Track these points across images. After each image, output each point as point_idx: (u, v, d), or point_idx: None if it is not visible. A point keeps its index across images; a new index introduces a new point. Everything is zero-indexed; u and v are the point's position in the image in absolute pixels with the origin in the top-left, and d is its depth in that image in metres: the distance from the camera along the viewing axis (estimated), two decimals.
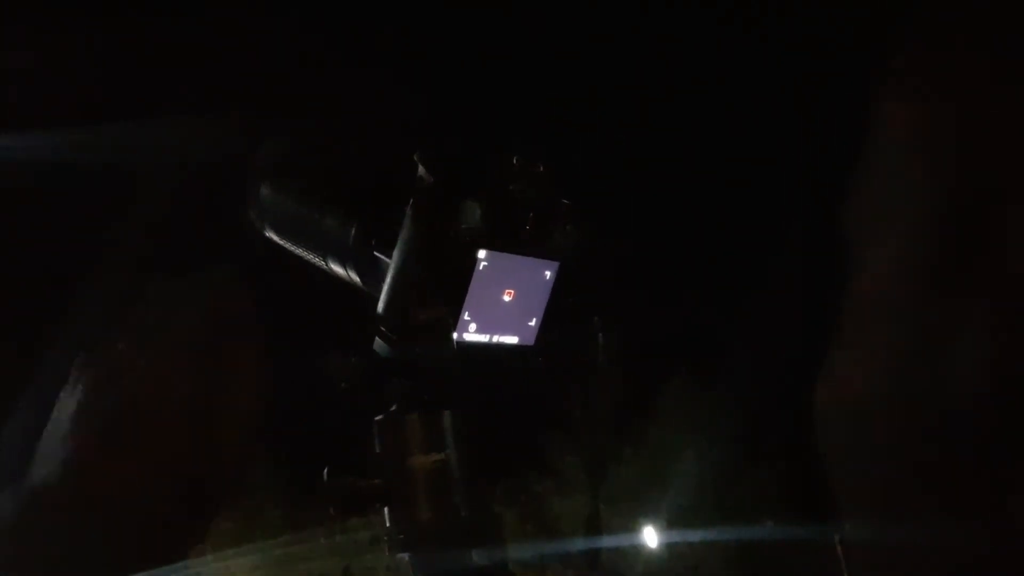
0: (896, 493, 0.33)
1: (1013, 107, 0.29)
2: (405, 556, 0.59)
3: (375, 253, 0.61)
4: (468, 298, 0.57)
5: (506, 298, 0.60)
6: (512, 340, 0.61)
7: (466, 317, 0.58)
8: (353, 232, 0.62)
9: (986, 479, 0.29)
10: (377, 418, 0.61)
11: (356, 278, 0.64)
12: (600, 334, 0.66)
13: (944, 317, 0.30)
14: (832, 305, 0.36)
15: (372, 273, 0.62)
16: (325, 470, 0.58)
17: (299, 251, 0.67)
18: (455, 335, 0.57)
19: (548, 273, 0.62)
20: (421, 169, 0.59)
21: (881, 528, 0.34)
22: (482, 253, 0.57)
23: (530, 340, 0.62)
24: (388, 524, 0.59)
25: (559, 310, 0.62)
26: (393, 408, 0.60)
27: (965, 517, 0.30)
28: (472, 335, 0.58)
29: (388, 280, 0.58)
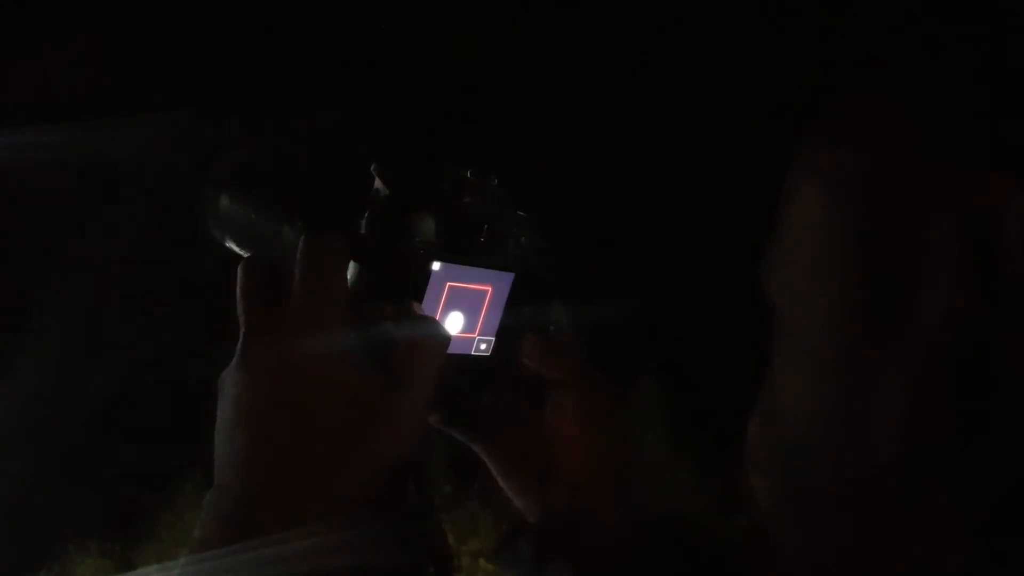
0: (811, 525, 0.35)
1: (917, 185, 0.31)
2: None
3: None
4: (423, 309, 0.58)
5: (460, 310, 0.61)
6: (467, 351, 0.62)
7: (427, 315, 0.58)
8: None
9: (900, 518, 0.30)
10: None
11: None
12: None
13: (863, 373, 0.31)
14: (764, 350, 0.38)
15: None
16: None
17: None
18: None
19: (502, 285, 0.63)
20: (377, 181, 0.60)
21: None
22: (436, 265, 0.58)
23: (485, 351, 0.63)
24: None
25: (514, 321, 0.64)
26: None
27: (879, 544, 0.31)
28: None
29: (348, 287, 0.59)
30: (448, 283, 0.59)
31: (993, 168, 0.28)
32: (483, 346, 0.63)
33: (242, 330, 0.55)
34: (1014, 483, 0.27)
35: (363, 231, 0.59)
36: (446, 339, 0.57)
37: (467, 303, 0.61)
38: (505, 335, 0.64)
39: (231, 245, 0.69)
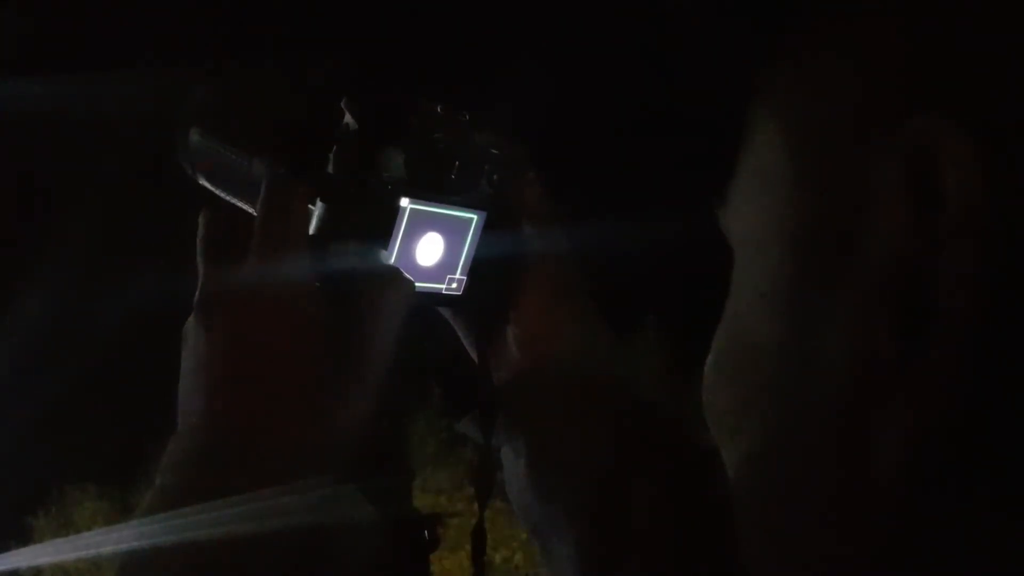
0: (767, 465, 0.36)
1: (865, 131, 0.31)
2: None
3: None
4: (391, 246, 0.58)
5: (431, 246, 0.60)
6: (438, 288, 0.62)
7: (391, 266, 0.58)
8: None
9: (846, 445, 0.31)
10: None
11: None
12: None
13: (813, 309, 0.33)
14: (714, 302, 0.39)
15: None
16: None
17: (231, 199, 0.67)
18: None
19: (473, 222, 0.62)
20: (347, 116, 0.59)
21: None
22: (404, 201, 0.58)
23: (456, 289, 0.63)
24: None
25: (486, 259, 0.63)
26: None
27: (825, 471, 0.32)
28: None
29: (313, 227, 0.58)
30: (417, 220, 0.59)
31: (934, 113, 0.29)
32: (454, 284, 0.63)
33: (200, 279, 0.55)
34: (952, 408, 0.28)
35: (331, 166, 0.58)
36: (411, 286, 0.57)
37: (437, 241, 0.60)
38: (476, 273, 0.63)
39: (203, 182, 0.69)
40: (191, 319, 0.54)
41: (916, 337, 0.28)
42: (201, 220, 0.58)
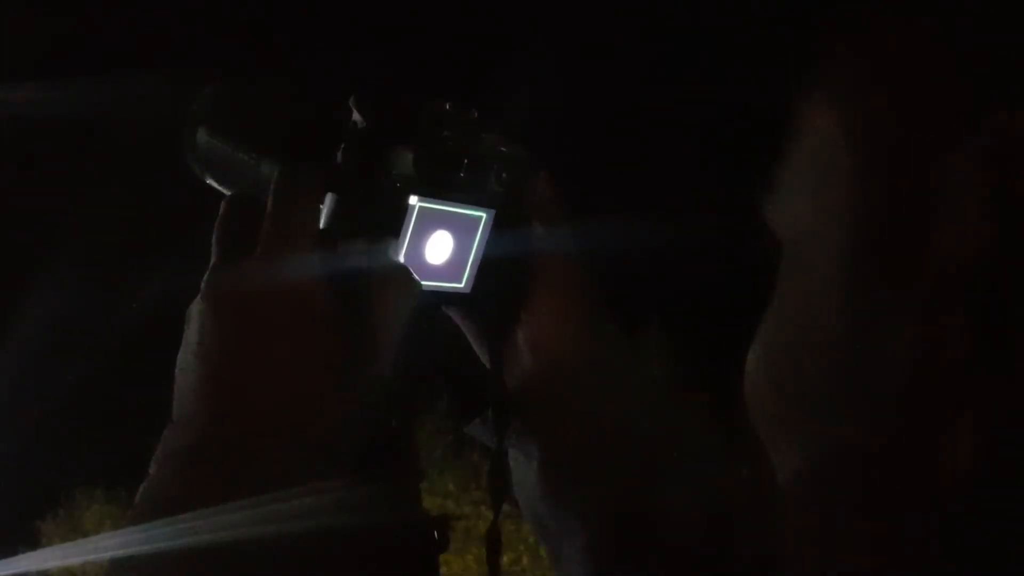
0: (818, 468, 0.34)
1: (937, 116, 0.30)
2: None
3: None
4: (401, 244, 0.57)
5: (440, 245, 0.60)
6: (446, 286, 0.62)
7: (400, 263, 0.58)
8: None
9: (913, 444, 0.30)
10: None
11: None
12: None
13: (879, 302, 0.31)
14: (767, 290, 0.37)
15: None
16: None
17: None
18: None
19: (482, 220, 0.61)
20: (355, 114, 0.58)
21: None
22: (413, 199, 0.57)
23: (467, 287, 0.63)
24: None
25: (495, 258, 0.63)
26: None
27: (894, 470, 0.31)
28: None
29: (323, 221, 0.58)
30: (426, 218, 0.58)
31: (1014, 102, 0.28)
32: (463, 282, 0.62)
33: (211, 262, 0.54)
34: None
35: (339, 164, 0.58)
36: (418, 286, 0.57)
37: (446, 239, 0.60)
38: (485, 272, 0.63)
39: (211, 182, 0.68)
40: (197, 300, 0.53)
41: (990, 336, 0.27)
42: (223, 204, 0.57)
